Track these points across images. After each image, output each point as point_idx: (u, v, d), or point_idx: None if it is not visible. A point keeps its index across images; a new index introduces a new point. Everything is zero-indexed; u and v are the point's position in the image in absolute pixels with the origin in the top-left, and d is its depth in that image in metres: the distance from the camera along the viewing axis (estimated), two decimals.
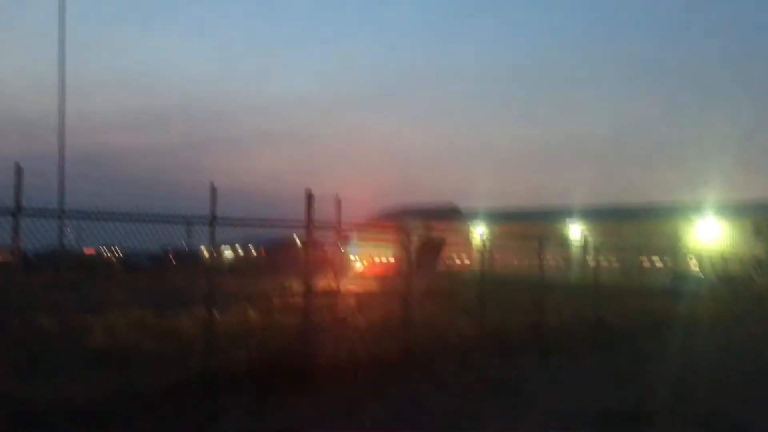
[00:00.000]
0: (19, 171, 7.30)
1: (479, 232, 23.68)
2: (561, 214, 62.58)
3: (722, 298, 26.74)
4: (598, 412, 7.98)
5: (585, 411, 8.09)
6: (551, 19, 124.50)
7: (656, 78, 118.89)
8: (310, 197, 10.33)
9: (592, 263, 21.13)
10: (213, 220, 9.03)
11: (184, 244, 12.03)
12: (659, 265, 37.16)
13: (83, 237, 9.56)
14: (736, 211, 56.42)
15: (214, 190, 8.97)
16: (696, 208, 57.47)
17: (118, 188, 8.49)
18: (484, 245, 15.98)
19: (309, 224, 10.42)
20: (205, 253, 10.18)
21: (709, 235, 53.97)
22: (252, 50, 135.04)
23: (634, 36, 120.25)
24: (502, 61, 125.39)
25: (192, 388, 7.89)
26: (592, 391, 9.40)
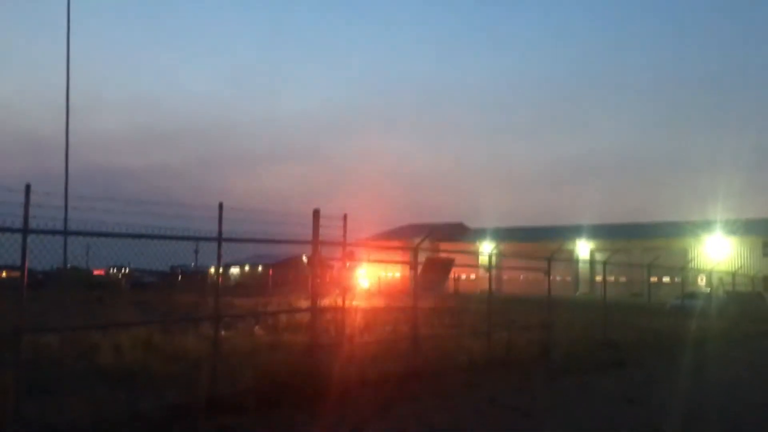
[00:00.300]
0: (28, 191, 7.34)
1: (487, 251, 23.60)
2: (569, 232, 62.39)
3: (731, 316, 26.50)
4: None
5: None
6: (560, 39, 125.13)
7: (667, 97, 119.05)
8: (317, 215, 10.34)
9: (600, 281, 20.96)
10: (220, 238, 9.04)
11: (191, 263, 12.02)
12: (668, 282, 36.96)
13: (90, 256, 9.60)
14: (746, 229, 56.07)
15: (221, 209, 8.99)
16: (706, 226, 57.18)
17: (126, 207, 8.48)
18: (491, 264, 15.95)
19: (316, 242, 10.41)
20: (212, 272, 10.18)
21: (718, 253, 53.62)
22: (261, 70, 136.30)
23: (644, 55, 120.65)
24: (512, 81, 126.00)
25: (198, 408, 7.85)
26: (602, 412, 9.29)
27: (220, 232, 9.05)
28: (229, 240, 9.33)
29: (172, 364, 10.45)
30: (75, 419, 6.95)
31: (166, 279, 43.40)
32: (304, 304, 18.39)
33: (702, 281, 38.82)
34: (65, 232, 7.75)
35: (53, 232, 7.62)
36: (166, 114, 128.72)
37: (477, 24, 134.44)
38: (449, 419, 8.37)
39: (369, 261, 15.11)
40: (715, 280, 32.28)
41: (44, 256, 7.82)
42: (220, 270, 9.43)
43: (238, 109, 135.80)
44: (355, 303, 14.86)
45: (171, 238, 8.96)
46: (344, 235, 11.07)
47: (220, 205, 9.03)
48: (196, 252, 13.19)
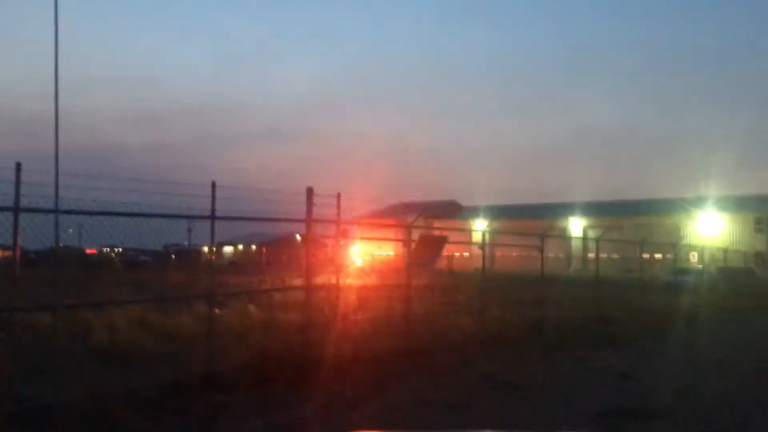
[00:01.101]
0: (18, 169, 7.29)
1: (480, 228, 23.67)
2: (562, 209, 62.50)
3: (723, 291, 26.70)
4: (600, 409, 7.96)
5: (588, 408, 8.06)
6: (553, 16, 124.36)
7: (659, 73, 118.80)
8: (310, 193, 10.30)
9: (593, 258, 21.08)
10: (213, 216, 9.00)
11: (185, 241, 11.98)
12: (661, 259, 37.17)
13: (84, 234, 9.55)
14: (738, 205, 56.30)
15: (214, 187, 8.95)
16: (697, 202, 57.38)
17: (119, 185, 8.43)
18: (485, 241, 15.96)
19: (309, 220, 10.39)
20: (206, 250, 10.19)
21: (710, 229, 53.90)
22: (254, 48, 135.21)
23: (635, 31, 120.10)
24: (504, 57, 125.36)
25: (192, 386, 7.87)
26: (595, 388, 9.37)
27: (213, 211, 9.01)
28: (223, 218, 9.31)
29: (166, 342, 10.47)
30: (69, 398, 6.96)
31: (160, 258, 43.35)
32: (297, 282, 18.41)
33: (694, 257, 39.08)
34: (56, 211, 7.70)
35: (44, 211, 7.58)
36: (159, 92, 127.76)
37: (471, 1, 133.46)
38: (443, 396, 8.43)
39: (362, 239, 15.12)
40: (707, 257, 32.50)
41: (36, 235, 7.79)
42: (214, 248, 9.41)
43: (231, 87, 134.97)
44: (348, 281, 14.88)
45: (164, 216, 8.94)
46: (338, 214, 11.05)
47: (213, 184, 8.99)
48: (190, 231, 13.15)
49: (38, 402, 6.94)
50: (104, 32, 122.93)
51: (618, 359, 11.73)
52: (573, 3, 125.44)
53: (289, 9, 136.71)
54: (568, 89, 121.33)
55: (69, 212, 7.90)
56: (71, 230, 9.72)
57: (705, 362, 11.71)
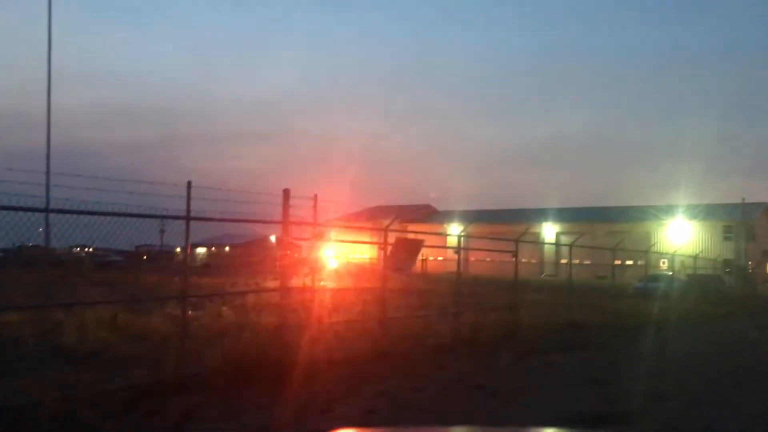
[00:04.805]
0: None
1: (455, 233, 23.75)
2: (536, 215, 63.04)
3: (693, 298, 27.13)
4: (572, 413, 8.03)
5: (560, 412, 8.13)
6: (528, 23, 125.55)
7: (631, 82, 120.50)
8: (287, 195, 10.27)
9: (565, 263, 21.29)
10: (188, 217, 8.92)
11: (157, 242, 11.85)
12: (632, 265, 37.65)
13: (54, 234, 9.40)
14: (707, 213, 57.32)
15: (189, 187, 8.87)
16: (668, 210, 58.30)
17: (93, 184, 8.33)
18: (459, 245, 16.04)
19: (286, 222, 10.35)
20: (179, 251, 10.08)
21: (680, 237, 54.76)
22: (231, 49, 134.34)
23: (610, 40, 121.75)
24: (480, 63, 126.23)
25: (165, 388, 7.79)
26: (567, 392, 9.46)
27: (188, 211, 8.94)
28: (198, 219, 9.23)
29: (138, 343, 10.34)
30: (38, 399, 6.83)
31: (132, 258, 42.76)
32: (272, 284, 18.29)
33: (664, 264, 39.64)
34: (24, 209, 7.54)
35: (11, 209, 7.43)
36: (133, 91, 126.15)
37: (447, 5, 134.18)
38: (417, 398, 8.44)
39: (338, 241, 15.09)
40: (677, 264, 32.98)
41: (5, 233, 7.65)
42: (188, 249, 9.33)
43: (206, 87, 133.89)
44: (323, 283, 14.83)
45: (138, 216, 8.84)
46: (314, 216, 11.03)
47: (189, 184, 8.92)
48: (162, 231, 13.01)
49: (5, 403, 6.80)
50: (76, 28, 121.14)
51: (589, 364, 11.86)
52: (547, 11, 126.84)
53: (267, 9, 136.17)
54: (542, 96, 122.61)
55: (38, 210, 7.77)
56: (41, 230, 9.55)
57: (675, 367, 11.90)
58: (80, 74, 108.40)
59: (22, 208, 7.45)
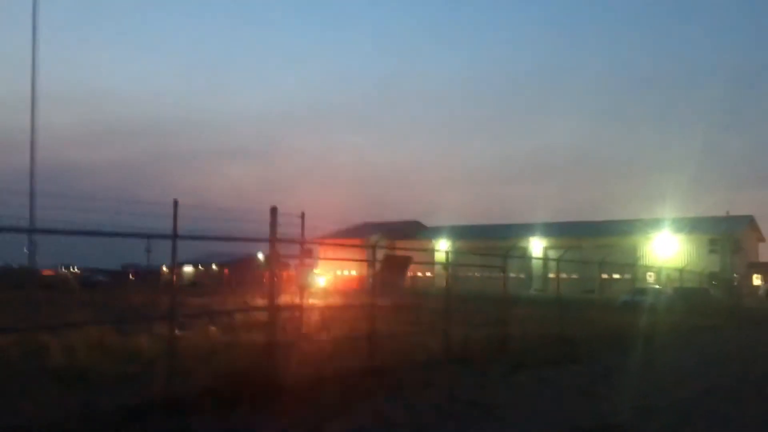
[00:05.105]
0: None
1: (443, 248, 23.74)
2: (523, 230, 63.26)
3: (679, 311, 27.27)
4: (565, 427, 8.01)
5: (552, 426, 8.11)
6: (515, 37, 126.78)
7: (618, 96, 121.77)
8: (274, 213, 10.23)
9: (554, 278, 21.37)
10: (175, 235, 8.86)
11: (145, 261, 11.75)
12: (619, 279, 37.83)
13: (40, 254, 9.31)
14: (693, 226, 57.76)
15: (176, 206, 8.81)
16: (654, 223, 58.69)
17: (77, 203, 8.26)
18: (448, 261, 16.04)
19: (273, 240, 10.31)
20: (166, 270, 10.02)
21: (666, 250, 55.10)
22: (218, 66, 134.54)
23: (596, 53, 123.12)
24: (467, 78, 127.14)
25: (154, 408, 7.69)
26: (559, 406, 9.44)
27: (175, 230, 8.87)
28: (185, 237, 9.16)
29: (126, 364, 10.22)
30: (25, 421, 6.73)
31: (118, 278, 42.47)
32: (260, 302, 18.19)
33: (651, 278, 39.85)
34: (7, 229, 7.43)
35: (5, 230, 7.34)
36: (120, 109, 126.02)
37: (433, 21, 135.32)
38: (408, 416, 8.38)
39: (326, 259, 15.05)
40: (663, 277, 33.18)
41: None
42: (175, 268, 9.26)
43: (193, 105, 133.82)
44: (312, 301, 14.78)
45: (124, 235, 8.76)
46: (302, 233, 11.02)
47: (175, 202, 8.86)
48: (148, 250, 12.93)
49: None
50: (65, 48, 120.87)
51: (580, 377, 11.85)
52: (537, 25, 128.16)
53: (256, 28, 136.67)
54: (529, 111, 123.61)
55: (21, 230, 7.69)
56: (26, 250, 9.46)
57: (664, 379, 11.93)
58: (66, 93, 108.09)
59: (4, 228, 7.36)
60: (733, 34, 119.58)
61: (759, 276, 59.62)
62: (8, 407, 7.19)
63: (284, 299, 12.26)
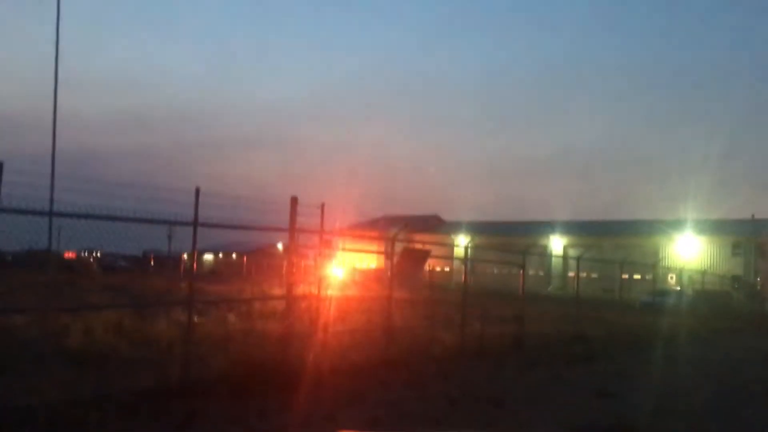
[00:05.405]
0: (0, 169, 7.16)
1: (462, 244, 23.70)
2: (543, 228, 62.88)
3: (701, 313, 26.96)
4: (578, 425, 7.98)
5: (565, 424, 8.08)
6: (538, 34, 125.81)
7: (642, 95, 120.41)
8: (294, 203, 10.27)
9: (573, 276, 21.22)
10: (196, 223, 8.93)
11: (165, 247, 11.86)
12: (639, 279, 37.50)
13: (62, 238, 9.42)
14: (716, 228, 57.00)
15: (198, 194, 8.88)
16: (677, 224, 57.99)
17: (101, 188, 8.35)
18: (466, 256, 16.00)
19: (293, 230, 10.35)
20: (186, 257, 10.09)
21: (688, 252, 54.47)
22: (243, 56, 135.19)
23: (621, 53, 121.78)
24: (491, 74, 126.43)
25: (169, 392, 7.78)
26: (573, 404, 9.39)
27: (196, 217, 8.94)
28: (205, 225, 9.23)
29: (143, 348, 10.36)
30: (43, 400, 6.84)
31: (139, 263, 42.94)
32: (278, 292, 18.31)
33: (672, 279, 39.43)
34: (28, 212, 7.52)
35: (15, 211, 7.40)
36: (145, 96, 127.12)
37: (458, 17, 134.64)
38: (422, 408, 8.41)
39: (345, 250, 15.08)
40: (685, 279, 32.81)
41: (15, 236, 7.67)
42: (195, 255, 9.34)
43: (218, 93, 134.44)
44: (330, 292, 14.82)
45: (146, 221, 8.83)
46: (321, 224, 11.02)
47: (197, 190, 8.92)
48: (170, 237, 13.04)
49: (11, 403, 6.81)
50: (91, 34, 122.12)
51: (596, 376, 11.78)
52: (562, 24, 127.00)
53: (279, 18, 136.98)
54: (552, 108, 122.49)
55: (47, 214, 7.78)
56: (50, 233, 9.58)
57: (681, 381, 11.82)
58: (90, 80, 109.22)
59: (26, 211, 7.46)
60: (762, 33, 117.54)
61: None
62: (27, 387, 7.31)
63: (302, 289, 12.31)
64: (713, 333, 22.59)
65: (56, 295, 12.43)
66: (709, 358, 16.34)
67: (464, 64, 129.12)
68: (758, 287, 48.33)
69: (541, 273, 52.90)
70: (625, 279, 25.82)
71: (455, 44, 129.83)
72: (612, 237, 57.52)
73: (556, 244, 63.22)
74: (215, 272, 49.98)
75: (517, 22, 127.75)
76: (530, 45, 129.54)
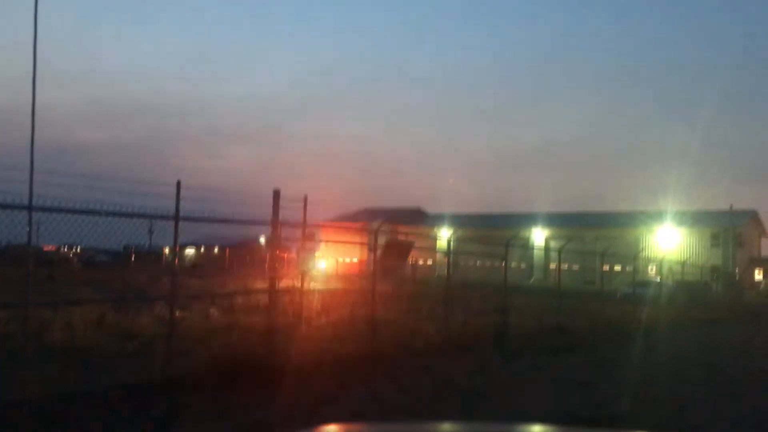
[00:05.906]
0: None
1: (445, 236, 23.78)
2: (525, 220, 63.18)
3: (680, 304, 27.28)
4: (560, 415, 8.04)
5: (547, 414, 8.14)
6: (521, 27, 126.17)
7: (623, 87, 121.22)
8: (277, 196, 10.24)
9: (554, 268, 21.36)
10: (177, 217, 8.87)
11: (145, 242, 11.78)
12: (620, 271, 37.81)
13: (41, 232, 9.31)
14: (695, 220, 57.63)
15: (179, 187, 8.82)
16: (657, 216, 58.55)
17: (80, 181, 8.26)
18: (449, 249, 16.05)
19: (276, 223, 10.32)
20: (167, 252, 10.02)
21: (668, 243, 55.04)
22: (222, 50, 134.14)
23: (601, 46, 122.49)
24: (471, 67, 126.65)
25: (154, 387, 7.75)
26: (554, 395, 9.48)
27: (177, 211, 8.88)
28: (187, 219, 9.17)
29: (126, 343, 10.29)
30: (24, 396, 6.78)
31: (119, 258, 42.50)
32: (261, 286, 18.24)
33: (652, 270, 39.81)
34: (5, 206, 7.43)
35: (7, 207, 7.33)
36: (125, 89, 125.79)
37: (439, 8, 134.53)
38: (405, 400, 8.44)
39: (328, 243, 15.07)
40: (665, 270, 33.14)
41: None
42: (177, 250, 9.28)
43: (198, 87, 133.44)
44: (313, 285, 14.81)
45: (126, 215, 8.76)
46: (304, 217, 11.00)
47: (178, 184, 8.86)
48: (151, 231, 12.94)
49: None
50: (71, 27, 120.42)
51: (577, 367, 11.90)
52: (544, 15, 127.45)
53: (261, 9, 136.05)
54: (533, 101, 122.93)
55: (24, 208, 7.68)
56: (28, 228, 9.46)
57: (661, 370, 11.97)
58: (69, 72, 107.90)
59: (4, 206, 7.37)
60: (738, 25, 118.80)
61: (761, 271, 59.61)
62: (6, 383, 7.23)
63: (285, 283, 12.28)
64: (693, 323, 22.89)
65: (36, 290, 12.27)
66: (689, 347, 16.55)
67: (447, 57, 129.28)
68: (736, 277, 49.00)
69: (524, 265, 53.13)
70: (606, 270, 26.01)
71: (438, 37, 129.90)
72: (593, 228, 57.97)
73: (538, 236, 63.60)
74: (197, 266, 49.65)
75: (500, 16, 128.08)
76: (513, 38, 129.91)
